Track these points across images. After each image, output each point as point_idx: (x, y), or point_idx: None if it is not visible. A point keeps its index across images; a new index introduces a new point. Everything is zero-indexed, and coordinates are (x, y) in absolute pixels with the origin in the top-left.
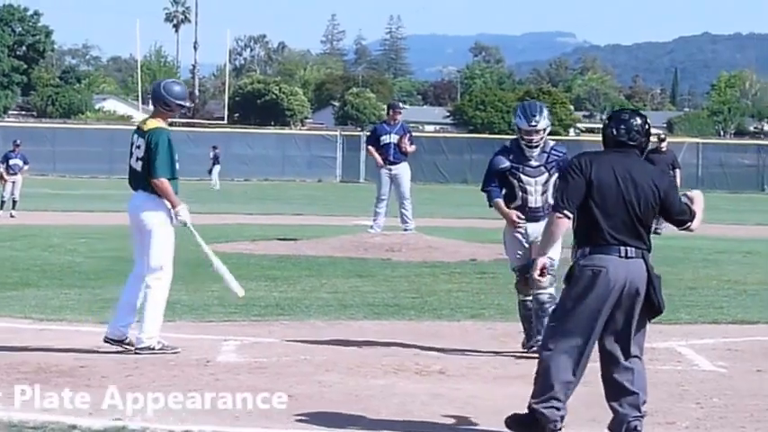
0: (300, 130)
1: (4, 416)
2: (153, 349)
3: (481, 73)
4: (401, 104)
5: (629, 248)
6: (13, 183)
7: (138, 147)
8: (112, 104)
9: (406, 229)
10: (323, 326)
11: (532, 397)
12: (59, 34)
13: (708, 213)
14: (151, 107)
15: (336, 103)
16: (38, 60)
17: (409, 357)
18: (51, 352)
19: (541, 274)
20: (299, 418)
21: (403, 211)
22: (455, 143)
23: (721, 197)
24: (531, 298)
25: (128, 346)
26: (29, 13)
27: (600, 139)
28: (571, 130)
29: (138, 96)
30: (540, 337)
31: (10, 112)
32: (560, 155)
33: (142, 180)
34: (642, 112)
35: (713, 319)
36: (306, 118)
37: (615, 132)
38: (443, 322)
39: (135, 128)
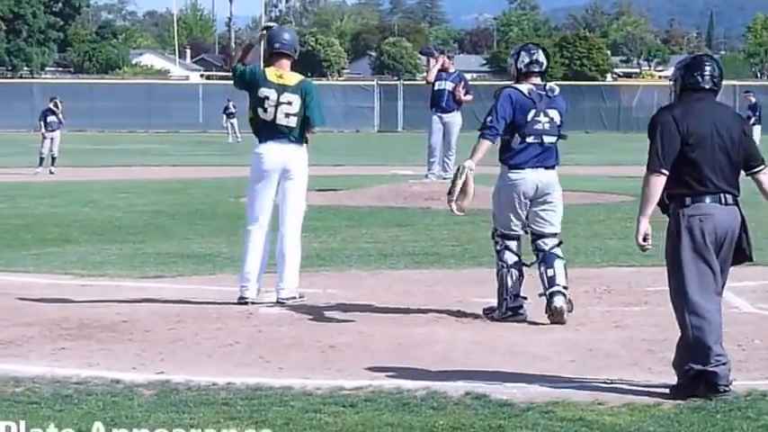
0: (337, 80)
1: (48, 371)
2: (296, 298)
3: (517, 20)
4: (443, 50)
5: (727, 195)
6: (51, 139)
7: (290, 103)
8: (149, 59)
9: (445, 178)
10: (364, 275)
11: (693, 362)
12: None
13: None
14: (188, 60)
15: (373, 54)
16: (74, 16)
17: (451, 305)
18: (93, 307)
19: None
20: (342, 367)
21: (446, 159)
22: (492, 91)
23: (760, 138)
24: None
25: (257, 302)
26: None
27: (636, 83)
28: (608, 75)
29: (174, 50)
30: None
31: (47, 68)
32: None
33: (291, 133)
34: (682, 54)
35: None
36: (343, 68)
37: (701, 80)
38: (484, 269)
39: (263, 78)
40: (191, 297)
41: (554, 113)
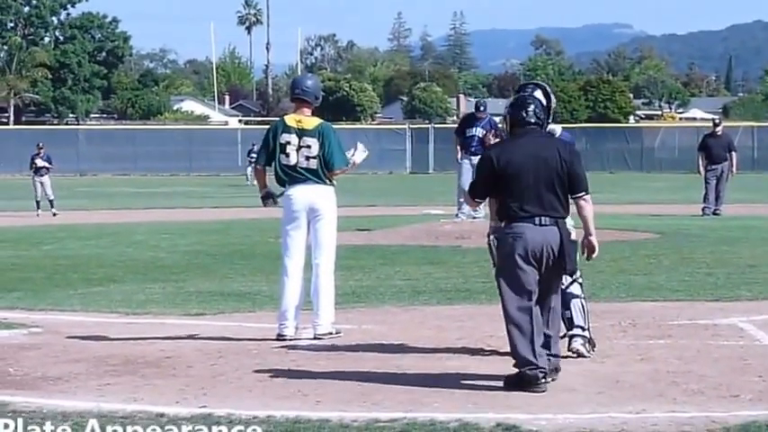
0: (371, 124)
1: (95, 407)
2: (332, 334)
3: (543, 65)
4: (481, 107)
5: (542, 218)
6: (41, 183)
7: (309, 146)
8: (190, 105)
9: (475, 218)
10: (397, 312)
11: (515, 365)
12: (137, 40)
13: (764, 194)
14: (227, 106)
15: (405, 98)
16: (117, 65)
17: (482, 340)
18: (138, 344)
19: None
20: (377, 400)
21: None
22: None
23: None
24: None
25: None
26: (107, 20)
27: (658, 125)
28: (631, 118)
29: (214, 96)
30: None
31: (92, 115)
32: None
33: (314, 174)
34: (702, 97)
35: None
36: (376, 113)
37: (525, 115)
38: None
39: (283, 126)
40: (231, 334)
41: None
